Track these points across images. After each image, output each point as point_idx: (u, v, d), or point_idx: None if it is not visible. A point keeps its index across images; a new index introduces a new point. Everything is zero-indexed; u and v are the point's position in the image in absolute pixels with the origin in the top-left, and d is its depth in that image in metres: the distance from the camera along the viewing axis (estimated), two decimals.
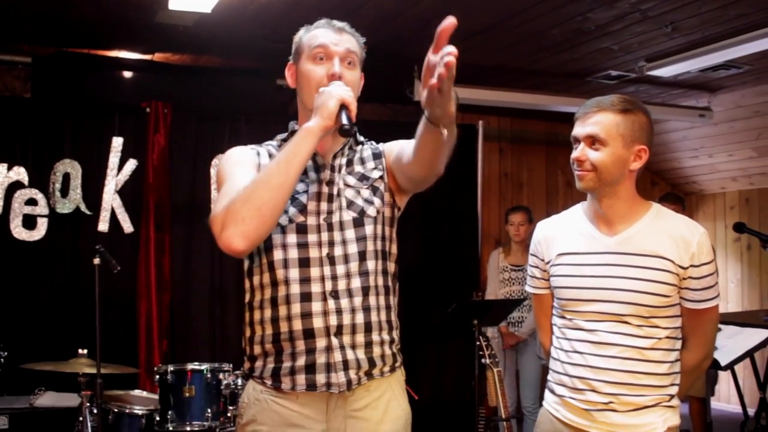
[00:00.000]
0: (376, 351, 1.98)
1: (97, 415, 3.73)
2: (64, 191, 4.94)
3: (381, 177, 2.08)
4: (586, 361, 2.20)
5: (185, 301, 5.17)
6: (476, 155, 5.95)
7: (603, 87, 5.75)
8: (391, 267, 2.10)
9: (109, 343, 4.22)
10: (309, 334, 1.93)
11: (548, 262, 2.35)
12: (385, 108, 6.38)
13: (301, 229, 1.96)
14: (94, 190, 5.00)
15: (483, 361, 4.11)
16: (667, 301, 2.15)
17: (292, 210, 1.96)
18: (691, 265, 2.14)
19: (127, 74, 5.37)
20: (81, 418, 3.79)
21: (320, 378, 1.93)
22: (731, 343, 3.34)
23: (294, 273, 1.94)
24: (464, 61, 5.45)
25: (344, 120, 1.88)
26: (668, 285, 2.14)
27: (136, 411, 3.90)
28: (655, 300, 2.14)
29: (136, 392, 4.31)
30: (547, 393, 2.37)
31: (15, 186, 4.84)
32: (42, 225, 4.88)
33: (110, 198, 5.03)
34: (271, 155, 2.06)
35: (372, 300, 1.99)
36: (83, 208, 4.97)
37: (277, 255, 1.95)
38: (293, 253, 1.95)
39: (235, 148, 2.09)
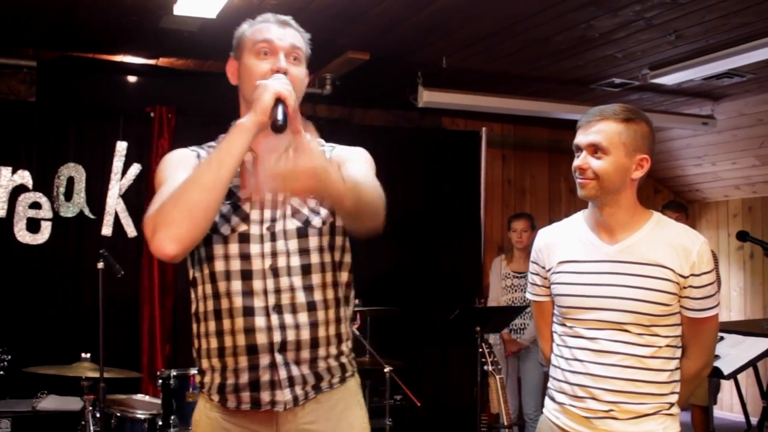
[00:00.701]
0: (322, 365, 1.91)
1: (99, 419, 3.73)
2: (68, 195, 4.96)
3: None
4: (587, 369, 2.20)
5: (188, 305, 5.17)
6: (479, 162, 5.96)
7: (606, 94, 5.76)
8: (344, 277, 1.99)
9: (112, 347, 4.23)
10: (252, 350, 1.84)
11: (549, 270, 2.35)
12: (388, 114, 6.39)
13: (244, 239, 1.87)
14: (97, 194, 5.03)
15: (485, 368, 4.11)
16: (667, 310, 2.16)
17: (234, 219, 1.87)
18: (692, 274, 2.14)
19: (132, 79, 5.39)
20: (83, 422, 3.80)
21: (264, 396, 1.85)
22: (734, 352, 3.33)
23: (236, 285, 1.85)
24: (467, 67, 5.47)
25: (278, 115, 1.75)
26: (668, 294, 2.15)
27: (138, 415, 3.90)
28: (655, 309, 2.14)
29: (139, 396, 4.31)
30: (547, 400, 2.37)
31: (19, 189, 4.87)
32: (46, 229, 4.90)
33: (114, 202, 5.05)
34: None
35: (320, 315, 1.90)
36: (87, 212, 4.99)
37: (219, 266, 1.86)
38: (236, 265, 1.86)
39: (175, 151, 1.99)
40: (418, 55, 4.88)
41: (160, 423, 3.82)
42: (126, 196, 5.09)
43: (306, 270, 1.89)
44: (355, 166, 1.94)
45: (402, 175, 5.88)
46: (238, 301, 1.85)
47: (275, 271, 1.86)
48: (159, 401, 3.96)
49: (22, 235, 4.85)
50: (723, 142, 6.46)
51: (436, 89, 5.22)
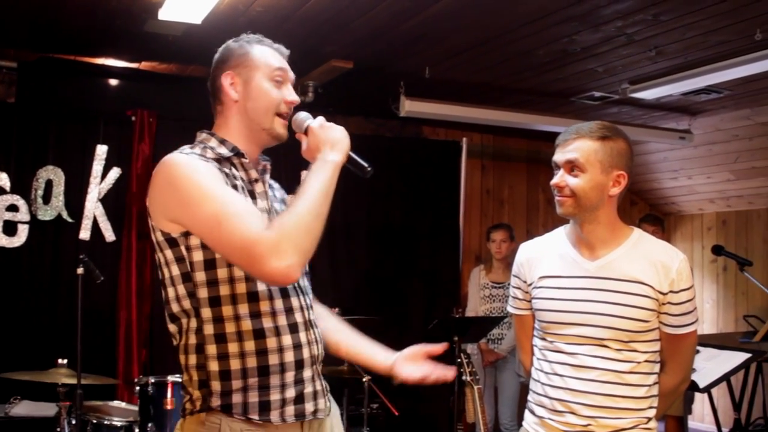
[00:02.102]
0: (323, 379, 2.05)
1: (75, 426, 3.69)
2: (46, 198, 4.92)
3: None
4: (566, 384, 2.22)
5: (162, 310, 5.14)
6: (459, 172, 5.98)
7: (586, 107, 5.81)
8: None
9: (88, 353, 4.17)
10: (300, 365, 1.90)
11: (530, 284, 2.38)
12: (369, 122, 6.40)
13: None
14: (76, 198, 4.98)
15: (463, 378, 4.12)
16: (646, 326, 2.19)
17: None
18: (671, 291, 2.18)
19: (113, 82, 5.36)
20: (59, 429, 3.76)
21: (309, 406, 1.92)
22: (709, 365, 3.38)
23: (279, 304, 1.89)
24: (450, 78, 5.50)
25: (360, 160, 1.97)
26: (647, 310, 2.18)
27: (115, 422, 3.87)
28: (634, 325, 2.17)
29: (115, 403, 4.27)
30: (527, 413, 2.39)
31: None
32: (23, 231, 4.85)
33: (93, 206, 5.01)
34: (221, 171, 1.89)
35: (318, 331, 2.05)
36: (65, 215, 4.95)
37: (262, 286, 1.86)
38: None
39: (189, 158, 1.88)
40: (401, 64, 4.90)
41: (137, 430, 3.79)
42: (105, 200, 5.05)
43: (310, 289, 2.06)
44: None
45: (382, 184, 5.88)
46: (283, 319, 1.90)
47: (303, 289, 1.99)
48: (136, 408, 3.93)
49: None
50: (699, 157, 6.55)
51: (418, 99, 5.24)
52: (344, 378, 4.55)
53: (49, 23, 4.38)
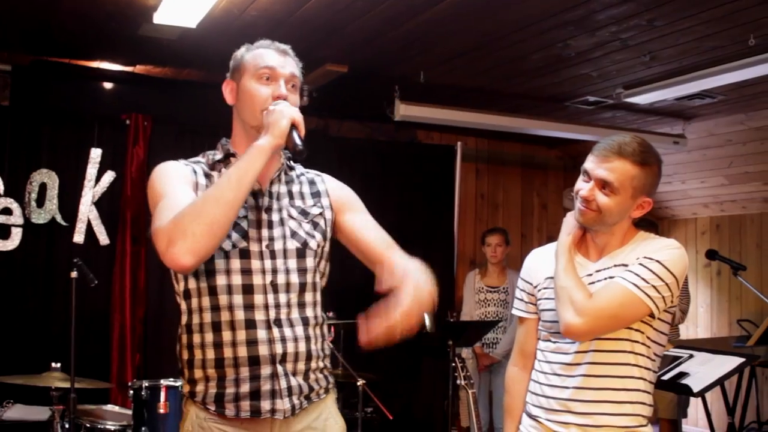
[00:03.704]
0: (312, 377, 2.02)
1: (69, 430, 3.68)
2: (40, 201, 4.90)
3: (321, 213, 2.09)
4: (563, 383, 2.23)
5: (160, 314, 5.14)
6: (454, 176, 5.98)
7: (580, 112, 5.83)
8: (320, 299, 2.10)
9: (81, 357, 4.16)
10: (254, 360, 1.93)
11: (536, 286, 2.38)
12: (363, 126, 6.40)
13: (245, 255, 1.95)
14: (70, 201, 4.97)
15: (458, 382, 4.13)
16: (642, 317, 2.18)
17: (234, 235, 1.94)
18: (645, 257, 2.15)
19: (108, 85, 5.35)
20: None
21: (265, 404, 1.93)
22: (704, 369, 3.39)
23: (238, 299, 1.93)
24: (445, 82, 5.51)
25: (297, 140, 1.90)
26: None
27: (108, 426, 3.86)
28: None
29: (109, 407, 4.26)
30: (524, 416, 2.39)
31: None
32: (16, 235, 4.83)
33: (87, 209, 5.00)
34: (207, 175, 2.03)
35: (310, 330, 2.02)
36: (59, 218, 4.94)
37: (221, 280, 1.93)
38: (237, 279, 1.94)
39: (170, 162, 2.04)
40: (396, 68, 4.90)
41: None
42: (99, 204, 5.04)
43: (302, 288, 2.01)
44: (365, 219, 2.17)
45: (376, 188, 5.89)
46: (240, 314, 1.93)
47: (275, 287, 1.96)
48: (129, 412, 3.92)
49: None
50: (693, 161, 6.57)
51: (413, 103, 5.25)
52: (339, 382, 4.54)
53: (44, 26, 4.37)
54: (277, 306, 1.96)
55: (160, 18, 3.96)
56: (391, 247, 2.13)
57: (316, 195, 2.12)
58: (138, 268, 5.07)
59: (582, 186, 2.23)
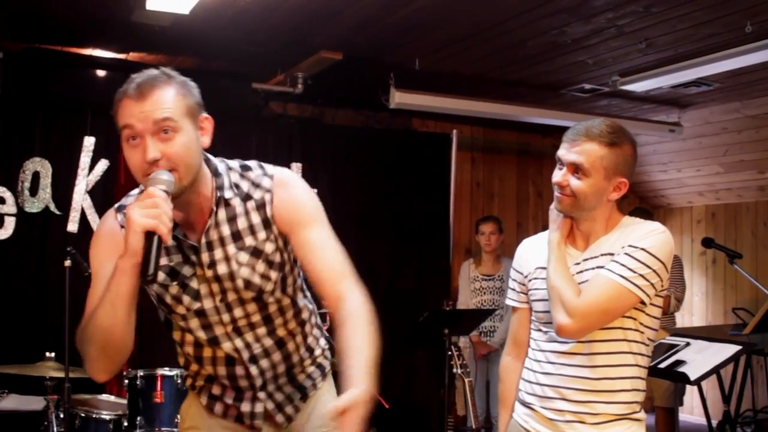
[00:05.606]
0: (302, 377, 2.06)
1: (63, 420, 3.67)
2: (33, 190, 4.87)
3: (276, 249, 1.91)
4: (558, 371, 2.23)
5: (154, 304, 5.11)
6: (449, 164, 5.97)
7: (576, 100, 5.81)
8: (300, 299, 2.06)
9: (76, 346, 4.15)
10: (238, 390, 2.03)
11: (527, 276, 2.39)
12: (358, 114, 6.37)
13: (201, 314, 1.93)
14: (64, 190, 4.94)
15: (454, 371, 4.12)
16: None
17: (186, 299, 1.91)
18: (629, 245, 2.14)
19: (101, 73, 5.29)
20: (46, 423, 3.73)
21: (258, 422, 2.04)
22: (700, 357, 3.39)
23: (208, 351, 1.99)
24: (440, 69, 5.48)
25: (150, 261, 1.61)
26: None
27: (103, 416, 3.84)
28: None
29: (104, 397, 4.26)
30: (517, 404, 2.39)
31: None
32: (9, 224, 4.80)
33: (80, 198, 4.96)
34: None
35: (289, 346, 2.02)
36: (52, 207, 4.90)
37: (187, 336, 2.00)
38: (201, 334, 1.96)
39: (102, 228, 1.91)
40: (391, 56, 4.87)
41: (126, 424, 3.78)
42: (93, 192, 5.00)
43: (267, 320, 1.98)
44: (316, 238, 1.87)
45: (371, 176, 5.87)
46: (220, 352, 1.98)
47: (238, 331, 1.96)
48: (124, 401, 3.91)
49: None
50: (688, 149, 6.57)
51: (408, 90, 5.22)
52: (335, 371, 4.53)
53: (35, 13, 4.33)
54: (247, 345, 1.97)
55: (152, 4, 3.93)
56: (340, 279, 1.85)
57: (266, 224, 1.88)
58: None
59: (556, 173, 2.25)
